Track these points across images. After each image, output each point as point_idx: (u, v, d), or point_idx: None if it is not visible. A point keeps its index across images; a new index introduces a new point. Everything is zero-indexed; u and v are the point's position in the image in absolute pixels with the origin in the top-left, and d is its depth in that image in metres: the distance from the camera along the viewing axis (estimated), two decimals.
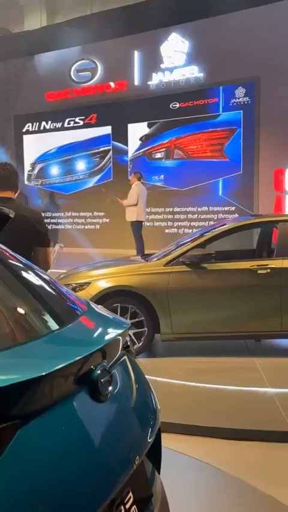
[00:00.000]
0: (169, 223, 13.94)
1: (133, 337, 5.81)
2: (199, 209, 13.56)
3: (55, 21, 16.18)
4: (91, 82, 15.05)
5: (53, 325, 1.59)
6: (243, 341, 6.23)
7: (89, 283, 5.95)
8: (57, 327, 1.56)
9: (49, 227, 15.34)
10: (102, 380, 1.39)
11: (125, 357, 1.73)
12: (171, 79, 13.84)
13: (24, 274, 1.85)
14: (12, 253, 1.92)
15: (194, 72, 13.53)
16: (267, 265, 5.76)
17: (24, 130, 16.34)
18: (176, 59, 13.68)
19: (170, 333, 5.80)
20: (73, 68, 15.25)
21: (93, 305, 1.88)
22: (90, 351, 1.38)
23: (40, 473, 1.16)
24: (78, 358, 1.32)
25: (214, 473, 3.42)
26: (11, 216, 1.90)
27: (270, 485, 3.25)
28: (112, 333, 1.60)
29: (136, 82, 14.32)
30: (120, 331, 1.63)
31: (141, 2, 13.55)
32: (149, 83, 14.13)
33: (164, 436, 3.91)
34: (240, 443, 3.90)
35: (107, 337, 1.55)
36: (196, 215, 13.59)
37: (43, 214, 15.59)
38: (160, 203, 13.76)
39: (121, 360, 1.67)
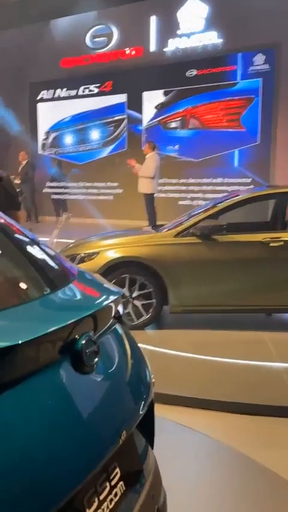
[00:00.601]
0: (183, 194, 13.74)
1: (141, 309, 5.75)
2: (214, 180, 13.33)
3: None
4: (106, 48, 14.73)
5: (41, 289, 1.51)
6: (253, 315, 6.13)
7: (98, 253, 5.87)
8: (46, 292, 1.48)
9: (62, 197, 15.30)
10: (87, 350, 1.31)
11: (117, 327, 1.64)
12: (188, 45, 13.47)
13: (19, 239, 1.77)
14: (8, 219, 1.84)
15: (211, 39, 13.14)
16: (280, 238, 5.62)
17: (38, 98, 16.11)
18: (194, 25, 13.28)
19: (178, 305, 5.72)
20: (89, 33, 14.93)
21: (86, 273, 1.80)
22: (74, 318, 1.30)
23: (12, 446, 1.08)
24: (60, 326, 1.24)
25: (219, 447, 3.37)
26: (3, 176, 1.79)
27: (275, 461, 3.19)
28: (101, 301, 1.51)
29: (152, 48, 13.98)
30: (110, 300, 1.53)
31: None
32: (165, 49, 13.78)
33: (170, 409, 3.91)
34: (247, 417, 3.84)
35: (94, 305, 1.46)
36: (210, 187, 13.37)
37: (56, 184, 15.60)
38: (174, 174, 13.55)
39: (111, 329, 1.58)
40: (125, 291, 5.74)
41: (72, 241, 6.98)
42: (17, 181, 13.95)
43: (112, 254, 5.83)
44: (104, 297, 1.56)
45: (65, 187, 15.56)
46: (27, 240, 1.77)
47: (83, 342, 1.31)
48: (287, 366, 4.63)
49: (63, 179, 15.56)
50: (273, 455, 3.31)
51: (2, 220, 1.76)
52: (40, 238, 6.27)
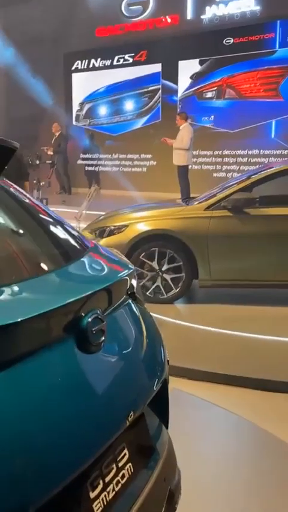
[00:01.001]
0: (217, 166, 13.47)
1: (170, 283, 5.70)
2: (249, 152, 13.00)
3: None
4: (142, 17, 14.40)
5: (52, 263, 1.46)
6: (285, 290, 5.99)
7: (127, 225, 5.82)
8: (56, 266, 1.43)
9: (95, 169, 15.24)
10: (93, 329, 1.25)
11: (130, 303, 1.58)
12: (225, 12, 13.03)
13: (35, 211, 1.72)
14: (22, 191, 1.79)
15: (250, 5, 12.67)
16: None
17: (73, 68, 15.96)
18: None
19: (208, 279, 5.64)
20: (124, 1, 14.61)
21: (100, 247, 1.73)
22: (79, 295, 1.24)
23: (12, 426, 1.04)
24: (63, 303, 1.18)
25: (242, 425, 3.32)
26: (17, 147, 1.74)
27: None
28: (111, 277, 1.44)
29: (189, 16, 13.60)
30: (120, 276, 1.47)
31: None
32: (202, 17, 13.38)
33: (195, 384, 3.88)
34: (274, 395, 3.78)
35: (104, 281, 1.40)
36: (246, 158, 13.06)
37: (89, 156, 15.53)
38: (209, 145, 13.27)
39: (124, 306, 1.52)
40: (154, 264, 5.69)
41: (104, 213, 6.94)
42: (50, 152, 13.95)
43: (141, 227, 5.77)
44: (116, 272, 1.50)
45: (99, 159, 15.47)
46: (42, 212, 1.72)
47: (89, 319, 1.25)
48: None
49: (97, 151, 15.47)
50: None
51: (17, 193, 1.71)
52: (71, 210, 6.26)
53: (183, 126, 10.94)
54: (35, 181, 9.87)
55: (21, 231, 1.56)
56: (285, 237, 5.49)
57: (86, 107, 15.98)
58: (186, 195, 10.46)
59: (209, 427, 3.36)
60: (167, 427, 1.73)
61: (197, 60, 13.64)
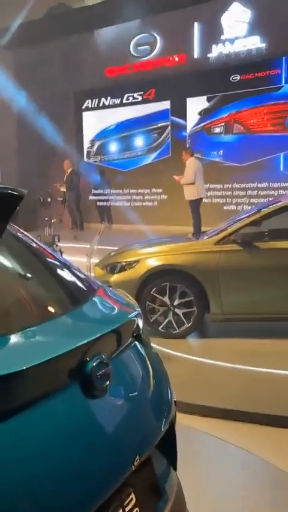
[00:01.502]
0: (227, 200, 13.57)
1: (182, 317, 5.70)
2: (259, 185, 13.11)
3: None
4: (150, 56, 14.77)
5: (59, 308, 1.49)
6: None
7: (138, 261, 5.87)
8: (62, 311, 1.46)
9: (107, 204, 15.40)
10: (97, 374, 1.27)
11: (136, 345, 1.60)
12: (231, 50, 13.33)
13: (42, 256, 1.76)
14: (31, 236, 1.84)
15: (255, 43, 12.96)
16: None
17: (83, 107, 16.31)
18: (237, 30, 13.14)
19: (220, 313, 5.64)
20: (133, 42, 15.01)
21: (106, 288, 1.76)
22: (83, 341, 1.27)
23: (18, 472, 1.06)
24: (68, 349, 1.21)
25: (253, 461, 3.27)
26: (25, 194, 1.79)
27: None
28: (117, 320, 1.47)
29: (196, 55, 13.92)
30: (126, 319, 1.50)
31: None
32: (208, 55, 13.69)
33: (207, 421, 3.84)
34: (283, 430, 3.72)
35: (109, 325, 1.43)
36: (256, 191, 13.15)
37: (101, 191, 15.73)
38: (219, 179, 13.41)
39: (130, 347, 1.54)
40: (166, 299, 5.71)
41: (115, 248, 7.00)
42: (62, 189, 14.16)
43: (152, 262, 5.81)
44: (122, 315, 1.52)
45: (110, 195, 15.66)
46: (49, 256, 1.76)
47: (94, 364, 1.27)
48: None
49: (108, 186, 15.67)
50: None
51: (25, 238, 1.76)
52: (83, 246, 6.31)
53: (189, 161, 11.21)
54: (46, 219, 10.00)
55: (28, 276, 1.60)
56: None
57: (97, 144, 16.27)
58: (198, 228, 10.57)
59: (220, 465, 3.32)
60: (175, 469, 1.72)
61: (205, 97, 13.90)
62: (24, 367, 1.09)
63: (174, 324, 5.73)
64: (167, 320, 5.74)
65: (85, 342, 1.27)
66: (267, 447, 3.50)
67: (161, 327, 5.72)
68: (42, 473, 1.11)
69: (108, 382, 1.31)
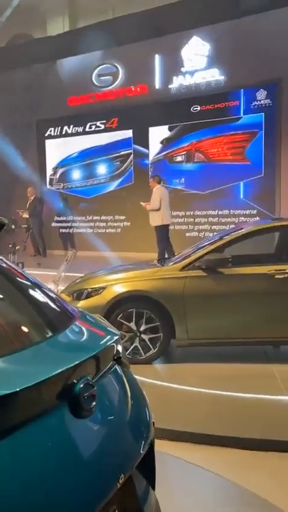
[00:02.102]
0: (190, 226, 13.83)
1: (148, 343, 5.75)
2: (220, 212, 13.42)
3: (77, 26, 16.24)
4: (112, 86, 15.06)
5: (41, 333, 1.54)
6: (261, 347, 6.10)
7: (105, 287, 5.91)
8: (46, 336, 1.51)
9: (70, 231, 15.43)
10: (85, 395, 1.33)
11: (116, 368, 1.66)
12: (192, 82, 13.74)
13: (22, 283, 1.82)
14: (8, 263, 1.89)
15: (215, 75, 13.41)
16: (285, 270, 5.63)
17: (46, 135, 16.41)
18: (197, 62, 13.58)
19: (185, 339, 5.71)
20: (95, 72, 15.28)
21: (86, 314, 1.83)
22: (72, 363, 1.33)
23: (7, 494, 1.10)
24: (58, 371, 1.27)
25: (225, 485, 3.33)
26: (6, 223, 1.86)
27: (284, 498, 3.15)
28: (100, 343, 1.54)
29: (157, 86, 14.27)
30: (108, 343, 1.57)
31: (162, 6, 13.51)
32: (170, 86, 14.07)
33: (178, 446, 3.88)
34: (255, 453, 3.80)
35: (93, 348, 1.49)
36: (217, 218, 13.46)
37: (65, 218, 15.76)
38: (181, 206, 13.66)
39: (111, 371, 1.61)
40: (132, 325, 5.76)
41: (80, 275, 7.03)
42: (26, 215, 14.15)
43: (119, 289, 5.87)
44: (103, 339, 1.59)
45: (73, 222, 15.71)
46: (28, 283, 1.82)
47: (81, 385, 1.33)
48: None
49: (70, 213, 15.73)
50: (280, 492, 3.26)
51: (4, 264, 1.81)
52: (47, 273, 6.32)
53: (156, 188, 11.47)
54: (10, 245, 9.96)
55: (10, 303, 1.65)
56: (258, 295, 5.64)
57: (60, 171, 16.35)
58: (162, 255, 10.72)
59: (190, 488, 3.35)
60: (153, 488, 1.78)
61: (167, 126, 14.23)
62: (18, 389, 1.14)
63: (141, 350, 5.78)
64: (133, 346, 5.78)
65: (71, 365, 1.33)
66: (234, 469, 3.56)
67: (127, 352, 5.75)
68: (34, 489, 1.15)
69: (94, 403, 1.37)
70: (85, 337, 1.63)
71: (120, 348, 1.73)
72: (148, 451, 1.66)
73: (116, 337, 1.66)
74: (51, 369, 1.28)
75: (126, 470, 1.48)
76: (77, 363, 1.36)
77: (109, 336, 1.65)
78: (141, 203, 11.77)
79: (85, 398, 1.33)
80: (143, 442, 1.63)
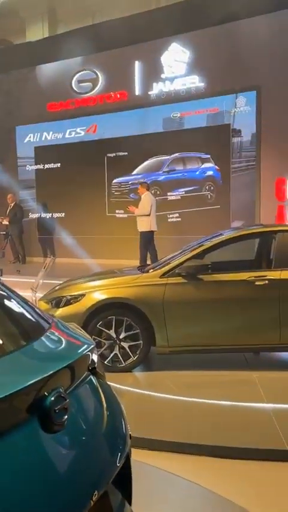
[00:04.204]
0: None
1: (128, 350, 5.69)
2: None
3: (56, 32, 16.19)
4: (92, 93, 15.01)
5: (13, 343, 1.48)
6: (242, 354, 6.08)
7: (84, 295, 5.84)
8: (19, 345, 1.45)
9: (48, 237, 15.31)
10: (56, 408, 1.27)
11: (91, 379, 1.61)
12: (171, 89, 13.77)
13: None
14: None
15: (194, 82, 13.45)
16: (265, 276, 5.63)
17: (25, 141, 16.28)
18: (177, 69, 13.62)
19: (166, 346, 5.67)
20: (74, 78, 15.21)
21: (60, 323, 1.77)
22: (41, 375, 1.27)
23: None
24: (26, 384, 1.21)
25: (204, 494, 3.28)
26: None
27: (262, 506, 3.11)
28: (72, 354, 1.48)
29: (137, 92, 14.26)
30: (81, 353, 1.51)
31: (142, 13, 13.53)
32: (149, 92, 14.07)
33: (157, 454, 3.82)
34: (234, 462, 3.76)
35: (65, 360, 1.43)
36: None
37: (43, 223, 15.62)
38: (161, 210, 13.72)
39: (85, 382, 1.55)
40: (112, 332, 5.69)
41: (60, 282, 6.94)
42: (6, 222, 14.00)
43: (98, 296, 5.80)
44: (77, 349, 1.53)
45: (51, 228, 15.60)
46: (1, 292, 1.76)
47: (52, 398, 1.28)
48: (276, 406, 4.56)
49: (54, 220, 15.61)
50: (260, 500, 3.22)
51: None
52: (27, 280, 6.23)
53: (145, 195, 11.50)
54: None
55: None
56: (238, 301, 5.63)
57: None
58: (144, 261, 10.69)
59: (169, 498, 3.30)
60: (130, 503, 1.72)
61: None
62: None
63: (120, 358, 5.71)
64: (113, 354, 5.72)
65: (42, 376, 1.27)
66: (215, 478, 3.52)
67: (106, 360, 5.68)
68: (2, 508, 1.09)
69: (66, 416, 1.31)
70: (59, 346, 1.58)
71: (95, 357, 1.67)
72: (124, 464, 1.61)
73: (91, 347, 1.60)
74: (21, 380, 1.22)
75: (100, 486, 1.42)
76: (49, 373, 1.30)
77: (84, 345, 1.60)
78: (129, 207, 11.81)
79: (56, 412, 1.27)
80: (119, 454, 1.58)
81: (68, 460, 1.34)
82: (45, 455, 1.26)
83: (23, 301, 1.77)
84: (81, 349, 1.55)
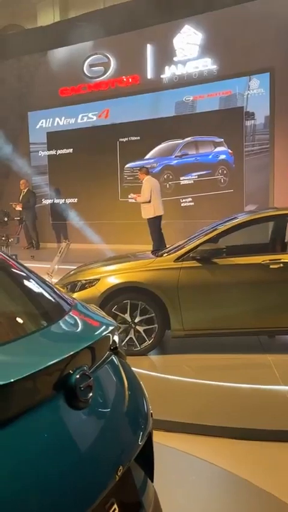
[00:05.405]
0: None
1: (143, 334, 5.73)
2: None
3: (68, 17, 16.09)
4: (104, 77, 14.94)
5: (37, 323, 1.51)
6: (256, 337, 6.09)
7: (99, 279, 5.87)
8: (42, 326, 1.48)
9: (61, 223, 15.36)
10: (81, 386, 1.30)
11: (113, 359, 1.63)
12: (184, 72, 13.66)
13: (15, 273, 1.78)
14: (3, 254, 1.86)
15: (207, 65, 13.33)
16: (279, 259, 5.62)
17: (37, 127, 16.28)
18: (189, 52, 13.49)
19: (180, 330, 5.69)
20: (86, 62, 15.15)
21: (81, 304, 1.80)
22: (67, 353, 1.30)
23: (3, 488, 1.07)
24: (53, 362, 1.23)
25: (222, 475, 3.33)
26: None
27: (279, 487, 3.14)
28: (96, 334, 1.50)
29: (149, 76, 14.17)
30: (104, 333, 1.53)
31: None
32: (162, 76, 13.97)
33: (174, 436, 3.87)
34: (251, 443, 3.80)
35: (89, 338, 1.46)
36: None
37: (56, 209, 15.70)
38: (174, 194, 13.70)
39: (107, 362, 1.58)
40: (127, 316, 5.73)
41: (74, 267, 6.99)
42: (19, 208, 14.07)
43: (113, 280, 5.83)
44: (99, 329, 1.56)
45: (65, 213, 15.65)
46: (23, 274, 1.78)
47: (77, 376, 1.30)
48: None
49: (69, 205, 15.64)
50: (277, 481, 3.26)
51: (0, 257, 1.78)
52: (42, 265, 6.27)
53: (145, 180, 11.25)
54: (3, 238, 9.89)
55: (5, 293, 1.62)
56: (253, 284, 5.63)
57: None
58: (158, 246, 10.60)
59: (187, 479, 3.34)
60: (152, 480, 1.76)
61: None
62: (12, 380, 1.11)
63: (136, 341, 5.76)
64: (128, 337, 5.76)
65: (67, 355, 1.30)
66: (232, 459, 3.56)
67: (122, 344, 5.73)
68: (32, 482, 1.13)
69: (91, 394, 1.34)
70: (81, 327, 1.60)
71: (116, 338, 1.70)
72: (146, 443, 1.64)
73: (112, 327, 1.63)
74: (46, 359, 1.25)
75: (124, 462, 1.45)
76: (72, 353, 1.32)
77: (105, 326, 1.62)
78: (131, 195, 11.69)
79: (81, 389, 1.30)
80: (141, 433, 1.61)
81: (93, 435, 1.37)
82: (72, 429, 1.30)
83: (43, 282, 1.79)
84: (103, 329, 1.57)
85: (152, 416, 1.76)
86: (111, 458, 1.40)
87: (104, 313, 1.86)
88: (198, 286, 5.67)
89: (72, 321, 1.60)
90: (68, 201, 15.66)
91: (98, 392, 1.43)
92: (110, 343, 1.63)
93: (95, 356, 1.47)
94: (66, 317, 1.60)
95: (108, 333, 1.58)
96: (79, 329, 1.58)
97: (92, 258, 7.34)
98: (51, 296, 1.73)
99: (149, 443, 1.70)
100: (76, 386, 1.29)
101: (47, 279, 7.02)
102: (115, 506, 1.41)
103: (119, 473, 1.38)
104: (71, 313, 1.65)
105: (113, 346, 1.67)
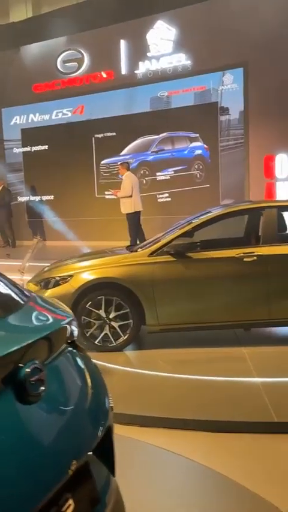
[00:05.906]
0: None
1: (118, 330, 5.69)
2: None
3: (40, 12, 15.93)
4: (78, 73, 14.84)
5: None
6: (232, 330, 6.10)
7: (72, 276, 5.81)
8: None
9: (37, 220, 15.23)
10: (31, 379, 1.26)
11: (70, 351, 1.59)
12: (158, 67, 13.62)
13: None
14: None
15: (181, 60, 13.32)
16: (253, 252, 5.62)
17: (12, 123, 16.11)
18: (163, 47, 13.46)
19: (156, 324, 5.67)
20: (59, 58, 15.03)
21: (39, 297, 1.75)
22: (17, 346, 1.25)
23: None
24: (1, 355, 1.19)
25: (195, 468, 3.31)
26: None
27: (254, 479, 3.13)
28: (49, 326, 1.46)
29: (123, 71, 14.10)
30: (58, 325, 1.49)
31: None
32: (136, 71, 13.92)
33: (149, 431, 3.85)
34: (225, 435, 3.80)
35: (41, 331, 1.42)
36: None
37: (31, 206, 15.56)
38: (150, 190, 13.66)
39: (64, 354, 1.53)
40: (102, 312, 5.69)
41: (47, 264, 6.91)
42: None
43: (87, 276, 5.78)
44: (54, 321, 1.51)
45: (39, 209, 15.52)
46: None
47: (28, 370, 1.26)
48: (265, 380, 4.59)
49: (43, 202, 15.51)
50: (252, 472, 3.25)
51: None
52: (16, 263, 6.18)
53: (125, 176, 11.27)
54: None
55: None
56: (227, 278, 5.63)
57: None
58: (135, 242, 10.58)
59: (162, 474, 3.32)
60: (113, 475, 1.72)
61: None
62: None
63: (111, 337, 5.71)
64: (103, 333, 5.71)
65: (17, 347, 1.26)
66: (206, 452, 3.55)
67: (97, 340, 5.69)
68: None
69: (42, 388, 1.30)
70: (36, 318, 1.56)
71: (75, 330, 1.65)
72: (106, 437, 1.60)
73: (69, 319, 1.59)
74: None
75: (78, 456, 1.41)
76: (23, 345, 1.28)
77: (62, 318, 1.58)
78: (110, 190, 11.66)
79: (32, 383, 1.26)
80: (100, 426, 1.57)
81: (45, 430, 1.33)
82: (20, 425, 1.25)
83: (0, 276, 1.74)
84: (59, 321, 1.53)
85: (112, 409, 1.72)
86: (63, 453, 1.36)
87: (63, 306, 1.81)
88: (173, 281, 5.65)
89: (27, 313, 1.56)
90: (44, 198, 15.54)
91: (52, 386, 1.38)
92: (67, 335, 1.58)
93: (50, 348, 1.43)
94: (23, 309, 1.56)
95: (65, 324, 1.54)
96: (33, 321, 1.54)
97: (69, 255, 7.27)
98: (8, 288, 1.68)
99: (109, 437, 1.66)
100: (26, 380, 1.25)
101: (19, 277, 6.97)
102: (70, 501, 1.37)
103: (72, 468, 1.34)
104: (27, 305, 1.61)
105: (71, 339, 1.63)
